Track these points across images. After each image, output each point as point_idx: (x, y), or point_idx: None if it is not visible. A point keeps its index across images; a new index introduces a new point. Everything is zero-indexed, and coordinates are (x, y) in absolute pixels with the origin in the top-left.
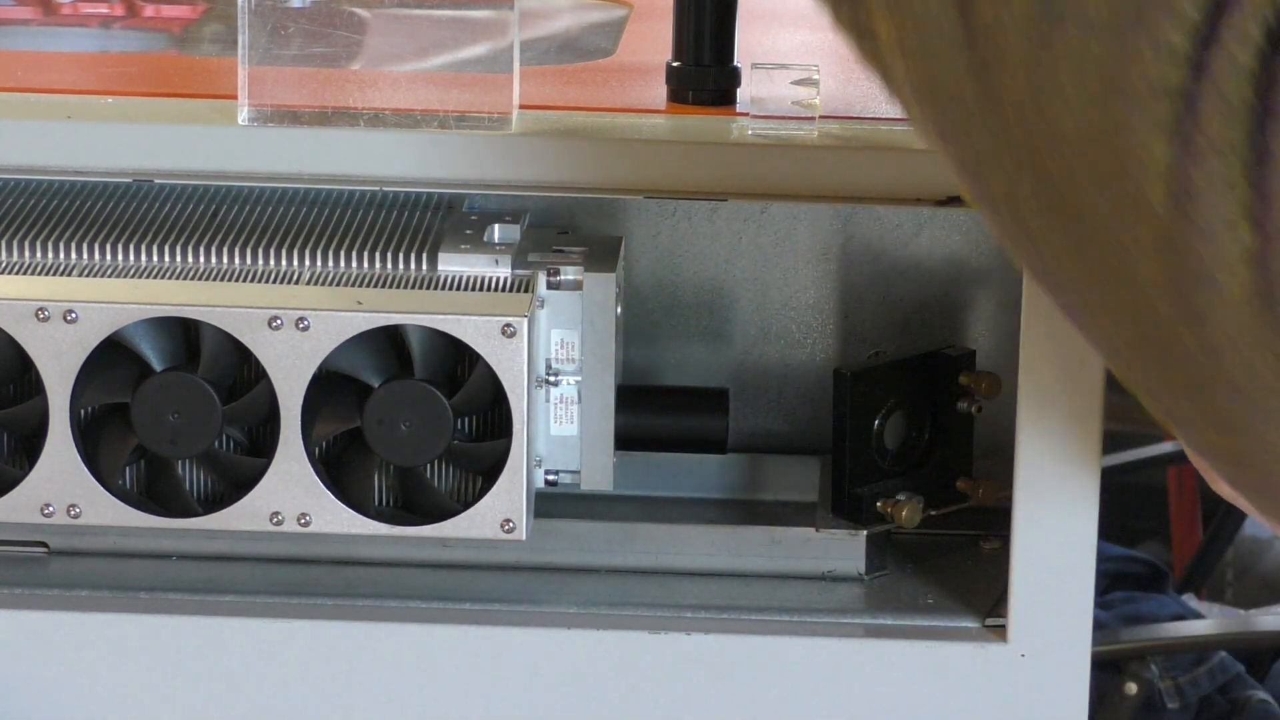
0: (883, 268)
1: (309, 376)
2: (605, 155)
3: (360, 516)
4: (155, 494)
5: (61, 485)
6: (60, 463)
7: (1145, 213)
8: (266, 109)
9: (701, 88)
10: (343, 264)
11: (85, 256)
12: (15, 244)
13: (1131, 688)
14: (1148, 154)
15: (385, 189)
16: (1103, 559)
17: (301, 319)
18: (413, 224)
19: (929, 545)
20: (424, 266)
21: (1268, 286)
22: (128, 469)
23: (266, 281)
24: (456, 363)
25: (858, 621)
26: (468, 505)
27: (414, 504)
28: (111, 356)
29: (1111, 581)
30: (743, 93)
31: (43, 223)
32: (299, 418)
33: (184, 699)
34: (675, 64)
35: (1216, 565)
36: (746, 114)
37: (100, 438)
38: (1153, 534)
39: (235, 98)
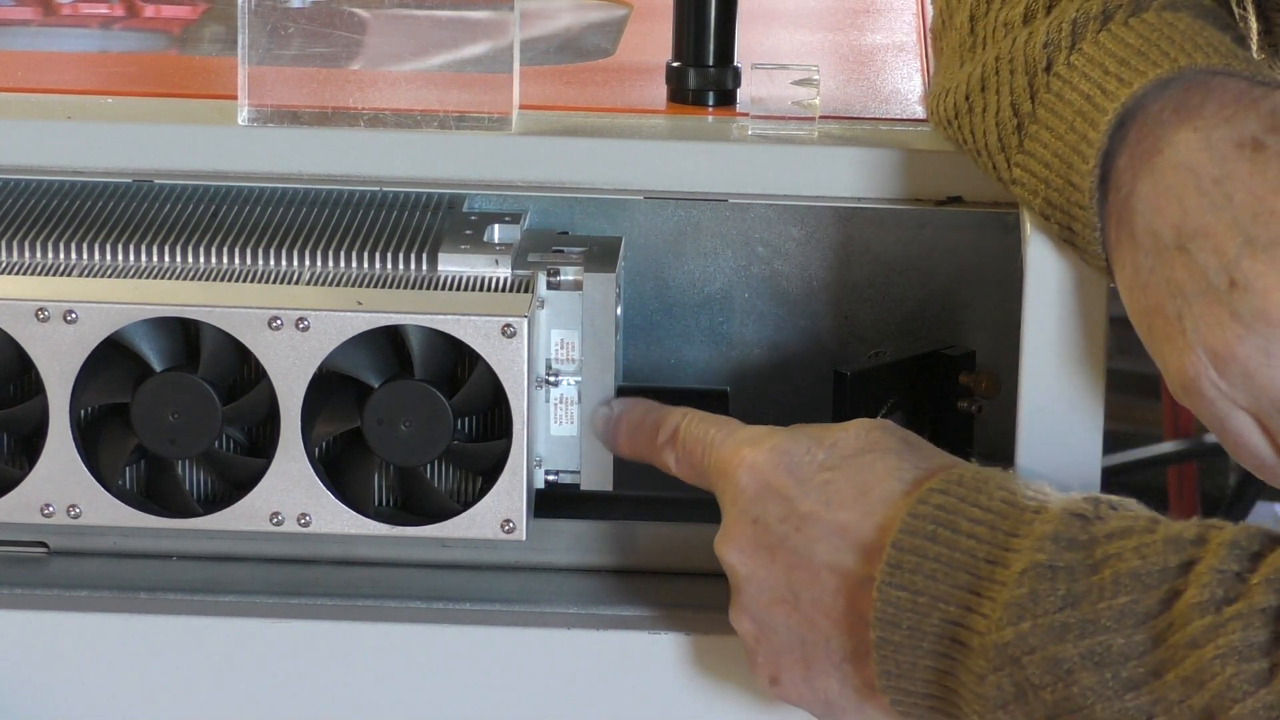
0: (883, 268)
1: (309, 377)
2: (605, 155)
3: (360, 516)
4: (155, 494)
5: (61, 485)
6: (60, 463)
7: None
8: (266, 109)
9: (701, 88)
10: (343, 264)
11: (85, 256)
12: (15, 244)
13: None
14: None
15: (385, 189)
16: None
17: (301, 319)
18: (413, 224)
19: None
20: (424, 266)
21: None
22: (128, 469)
23: (266, 281)
24: (456, 363)
25: None
26: (467, 505)
27: (414, 504)
28: (111, 356)
29: None
30: (743, 93)
31: (43, 223)
32: (299, 418)
33: (184, 699)
34: (675, 64)
35: None
36: (746, 114)
37: (100, 438)
38: None
39: (235, 98)
